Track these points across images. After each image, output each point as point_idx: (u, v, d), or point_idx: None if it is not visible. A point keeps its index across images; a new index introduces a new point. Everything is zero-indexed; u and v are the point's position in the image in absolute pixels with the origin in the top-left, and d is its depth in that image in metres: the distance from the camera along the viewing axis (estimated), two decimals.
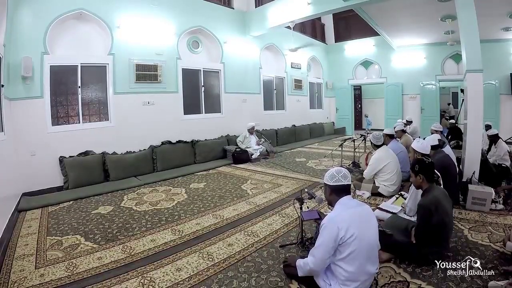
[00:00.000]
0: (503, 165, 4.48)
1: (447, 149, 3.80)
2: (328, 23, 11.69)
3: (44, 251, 2.64)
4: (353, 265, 1.65)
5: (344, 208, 1.75)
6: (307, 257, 1.82)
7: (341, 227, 1.63)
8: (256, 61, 8.45)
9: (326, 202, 3.40)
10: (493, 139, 4.90)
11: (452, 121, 8.31)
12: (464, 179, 3.81)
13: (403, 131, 5.66)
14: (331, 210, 1.88)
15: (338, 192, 1.80)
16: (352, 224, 1.65)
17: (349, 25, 11.23)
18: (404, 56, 10.06)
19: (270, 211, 3.51)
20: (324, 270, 1.81)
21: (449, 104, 12.84)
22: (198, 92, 7.04)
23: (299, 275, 1.88)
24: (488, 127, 5.61)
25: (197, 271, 2.24)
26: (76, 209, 3.79)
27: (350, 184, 1.83)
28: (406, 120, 7.80)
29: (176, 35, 6.37)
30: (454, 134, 7.33)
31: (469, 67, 4.08)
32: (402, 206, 3.02)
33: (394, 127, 5.52)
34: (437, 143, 3.62)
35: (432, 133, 4.88)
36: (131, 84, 5.61)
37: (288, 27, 7.62)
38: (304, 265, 1.82)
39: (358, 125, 13.21)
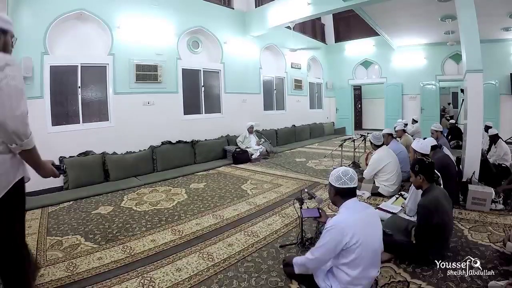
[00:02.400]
0: (503, 165, 4.49)
1: (445, 151, 3.81)
2: (328, 23, 11.68)
3: (44, 251, 2.64)
4: (356, 270, 1.63)
5: (350, 212, 1.69)
6: None
7: (346, 233, 1.60)
8: (256, 61, 8.44)
9: (327, 202, 3.44)
10: (493, 139, 4.91)
11: (452, 121, 8.34)
12: (464, 179, 3.81)
13: (403, 131, 5.67)
14: (331, 210, 1.87)
15: (343, 194, 1.75)
16: (357, 231, 1.61)
17: (349, 25, 11.21)
18: (404, 56, 10.05)
19: (270, 211, 3.51)
20: (326, 272, 1.81)
21: (449, 103, 12.84)
22: (198, 92, 7.04)
23: (295, 272, 1.88)
24: (488, 128, 5.61)
25: (197, 271, 2.24)
26: (76, 209, 3.79)
27: (356, 187, 1.77)
28: (413, 119, 7.88)
29: (176, 35, 6.36)
30: (454, 134, 7.36)
31: (469, 67, 4.08)
32: (402, 206, 3.03)
33: (395, 127, 5.53)
34: (436, 143, 3.64)
35: (432, 133, 4.88)
36: (131, 84, 5.60)
37: (288, 27, 7.62)
38: (300, 262, 1.81)
39: (358, 125, 13.21)
